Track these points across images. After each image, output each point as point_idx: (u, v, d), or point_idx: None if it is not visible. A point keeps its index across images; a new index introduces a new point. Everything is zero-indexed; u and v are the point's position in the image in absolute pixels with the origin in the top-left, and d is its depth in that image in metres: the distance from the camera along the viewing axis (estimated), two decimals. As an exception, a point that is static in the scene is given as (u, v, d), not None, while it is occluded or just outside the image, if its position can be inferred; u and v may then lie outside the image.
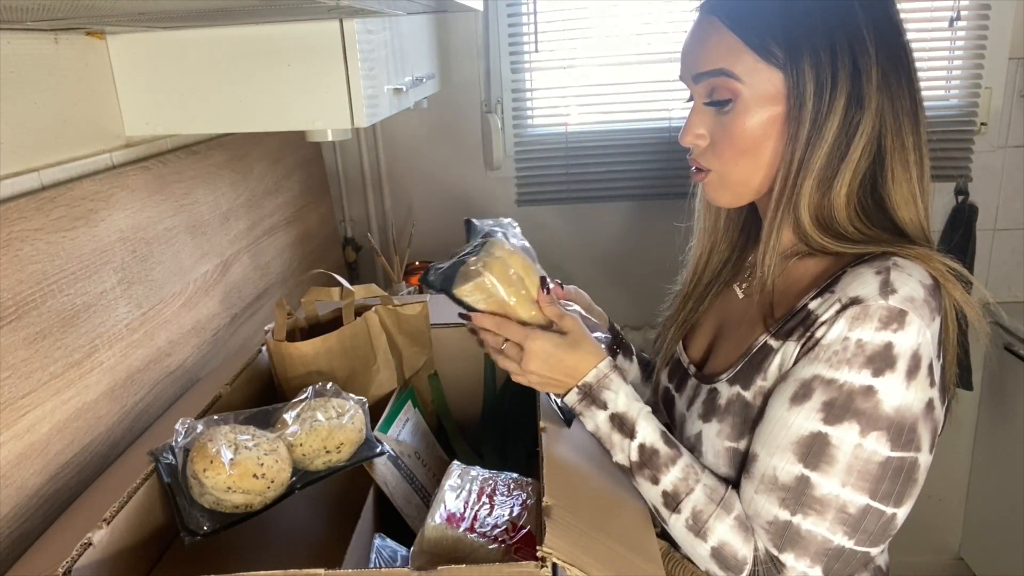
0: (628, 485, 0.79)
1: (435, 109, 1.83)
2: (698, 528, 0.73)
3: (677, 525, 0.75)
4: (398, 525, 0.87)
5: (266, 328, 1.04)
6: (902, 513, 0.69)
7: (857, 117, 0.70)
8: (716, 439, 0.78)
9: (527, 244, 0.86)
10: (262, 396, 1.06)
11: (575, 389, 0.78)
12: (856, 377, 0.67)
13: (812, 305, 0.72)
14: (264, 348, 1.07)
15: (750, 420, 0.76)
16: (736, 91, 0.72)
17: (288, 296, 1.50)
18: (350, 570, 0.62)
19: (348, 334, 1.01)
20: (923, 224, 0.74)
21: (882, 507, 0.68)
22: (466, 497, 0.77)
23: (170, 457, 0.76)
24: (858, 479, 0.67)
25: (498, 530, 0.72)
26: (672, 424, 0.90)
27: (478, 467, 0.82)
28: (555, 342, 0.77)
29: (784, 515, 0.70)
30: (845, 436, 0.67)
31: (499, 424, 1.12)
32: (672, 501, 0.75)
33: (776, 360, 0.74)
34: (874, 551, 0.70)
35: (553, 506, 0.67)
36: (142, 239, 1.02)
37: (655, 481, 0.75)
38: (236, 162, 1.33)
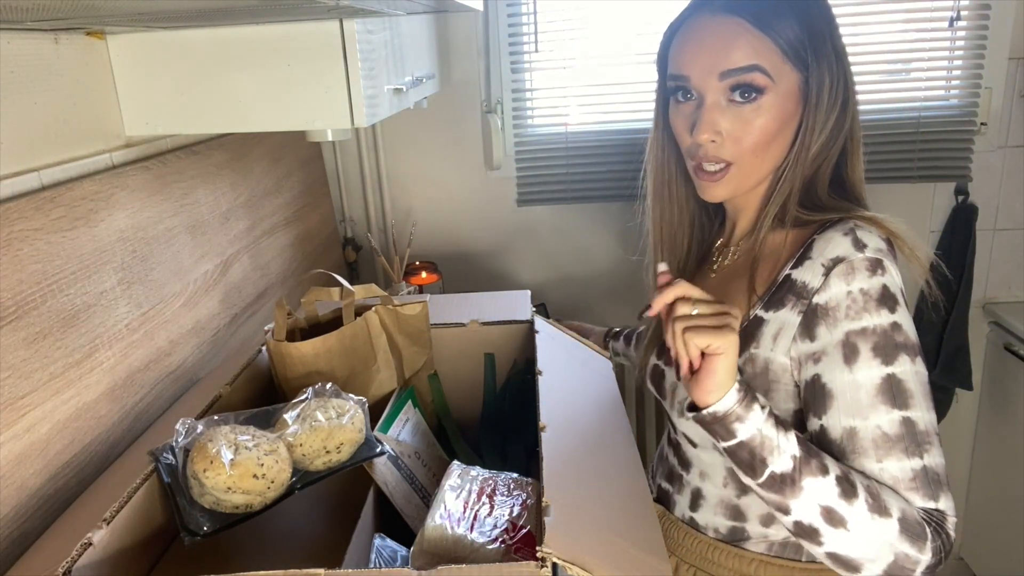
0: (627, 484, 0.79)
1: (435, 109, 1.83)
2: (879, 506, 0.69)
3: (861, 512, 0.69)
4: (398, 525, 0.87)
5: (266, 328, 1.04)
6: None
7: (848, 108, 0.82)
8: None
9: None
10: (262, 396, 1.06)
11: (736, 386, 0.71)
12: (880, 319, 0.73)
13: (795, 274, 0.79)
14: (264, 348, 1.07)
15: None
16: (765, 87, 0.78)
17: (288, 296, 1.50)
18: (350, 570, 0.62)
19: (348, 334, 1.01)
20: (864, 194, 0.86)
21: (935, 417, 0.75)
22: (466, 497, 0.77)
23: (170, 457, 0.76)
24: (926, 400, 0.74)
25: (498, 530, 0.72)
26: (663, 396, 0.93)
27: (478, 467, 0.82)
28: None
29: (916, 463, 0.72)
30: (905, 368, 0.73)
31: (499, 424, 1.12)
32: (848, 485, 0.70)
33: (770, 328, 0.80)
34: None
35: (553, 506, 0.67)
36: (142, 239, 1.02)
37: (825, 470, 0.70)
38: (236, 162, 1.33)
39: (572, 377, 1.02)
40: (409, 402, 1.03)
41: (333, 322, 1.08)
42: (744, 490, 0.85)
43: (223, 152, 1.28)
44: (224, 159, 1.28)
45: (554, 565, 0.60)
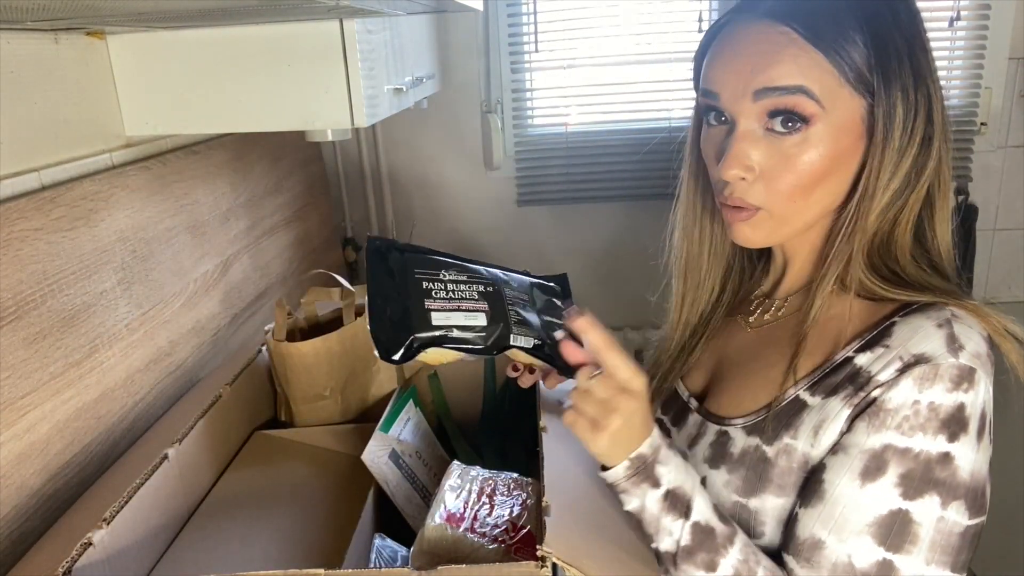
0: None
1: (435, 109, 1.83)
2: None
3: None
4: (398, 525, 0.87)
5: (266, 328, 1.04)
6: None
7: (926, 154, 0.65)
8: (724, 490, 0.70)
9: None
10: (262, 396, 1.06)
11: (626, 462, 0.64)
12: (932, 444, 0.60)
13: (860, 360, 0.64)
14: (264, 348, 1.07)
15: (767, 479, 0.67)
16: (812, 115, 0.62)
17: (288, 296, 1.50)
18: (350, 570, 0.62)
19: (348, 334, 1.01)
20: (952, 263, 0.70)
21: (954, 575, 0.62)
22: (466, 497, 0.77)
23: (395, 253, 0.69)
24: (941, 554, 0.61)
25: (498, 530, 0.72)
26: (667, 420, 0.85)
27: (478, 467, 0.82)
28: (595, 401, 0.64)
29: None
30: (927, 510, 0.60)
31: (499, 424, 1.12)
32: None
33: (812, 418, 0.66)
34: None
35: (553, 506, 0.67)
36: (142, 239, 1.02)
37: (711, 567, 0.63)
38: (236, 162, 1.33)
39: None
40: (411, 401, 1.03)
41: (333, 322, 1.08)
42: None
43: (223, 152, 1.28)
44: (224, 159, 1.28)
45: (554, 565, 0.60)
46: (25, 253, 0.80)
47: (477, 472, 0.81)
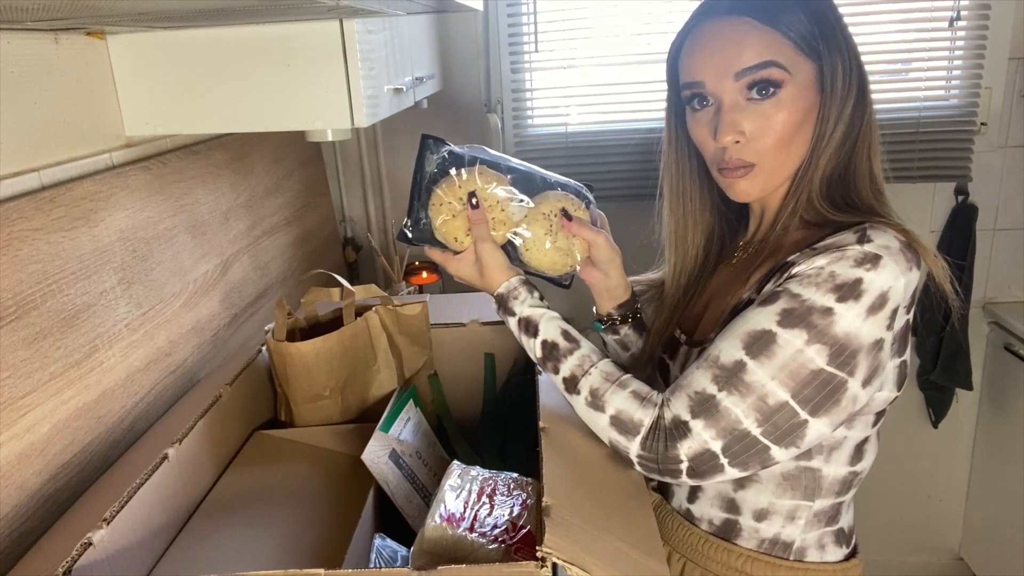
0: (629, 483, 0.79)
1: (435, 109, 1.83)
2: (596, 403, 0.81)
3: (580, 406, 0.82)
4: (398, 525, 0.87)
5: (266, 328, 1.04)
6: (815, 426, 0.74)
7: (863, 102, 0.80)
8: None
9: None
10: (262, 396, 1.06)
11: (493, 300, 0.89)
12: (820, 298, 0.73)
13: (792, 259, 0.79)
14: (264, 348, 1.07)
15: None
16: (782, 80, 0.78)
17: (288, 296, 1.50)
18: (350, 570, 0.62)
19: (348, 334, 1.01)
20: (884, 190, 0.84)
21: (798, 409, 0.73)
22: (466, 497, 0.77)
23: (440, 155, 0.87)
24: (787, 377, 0.73)
25: (498, 530, 0.72)
26: (671, 366, 0.95)
27: (478, 467, 0.82)
28: (469, 266, 0.89)
29: (711, 389, 0.75)
30: (791, 339, 0.73)
31: (499, 424, 1.12)
32: (572, 385, 0.83)
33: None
34: (776, 451, 0.75)
35: (553, 506, 0.67)
36: (142, 239, 1.02)
37: (556, 371, 0.84)
38: (236, 162, 1.33)
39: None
40: (411, 401, 1.03)
41: (333, 322, 1.08)
42: (742, 484, 0.85)
43: (223, 152, 1.28)
44: (224, 159, 1.29)
45: (554, 565, 0.60)
46: (25, 253, 0.80)
47: (477, 472, 0.81)
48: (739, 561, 0.87)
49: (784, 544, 0.86)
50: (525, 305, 0.88)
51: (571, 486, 0.73)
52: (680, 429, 0.75)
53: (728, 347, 0.76)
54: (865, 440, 0.84)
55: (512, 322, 0.89)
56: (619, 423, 0.79)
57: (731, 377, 0.74)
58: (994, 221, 1.91)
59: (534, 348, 0.86)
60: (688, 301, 0.95)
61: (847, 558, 0.89)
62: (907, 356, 0.80)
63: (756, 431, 0.74)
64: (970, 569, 2.13)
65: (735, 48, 0.78)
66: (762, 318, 0.75)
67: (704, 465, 0.75)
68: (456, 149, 0.88)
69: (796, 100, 0.78)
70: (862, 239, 0.74)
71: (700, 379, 0.76)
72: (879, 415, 0.83)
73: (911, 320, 0.78)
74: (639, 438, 0.77)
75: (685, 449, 0.75)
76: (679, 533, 0.93)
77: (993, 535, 2.02)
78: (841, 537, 0.88)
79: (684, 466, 0.75)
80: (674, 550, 0.94)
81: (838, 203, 0.81)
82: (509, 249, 0.90)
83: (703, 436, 0.74)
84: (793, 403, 0.73)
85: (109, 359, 0.94)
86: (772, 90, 0.78)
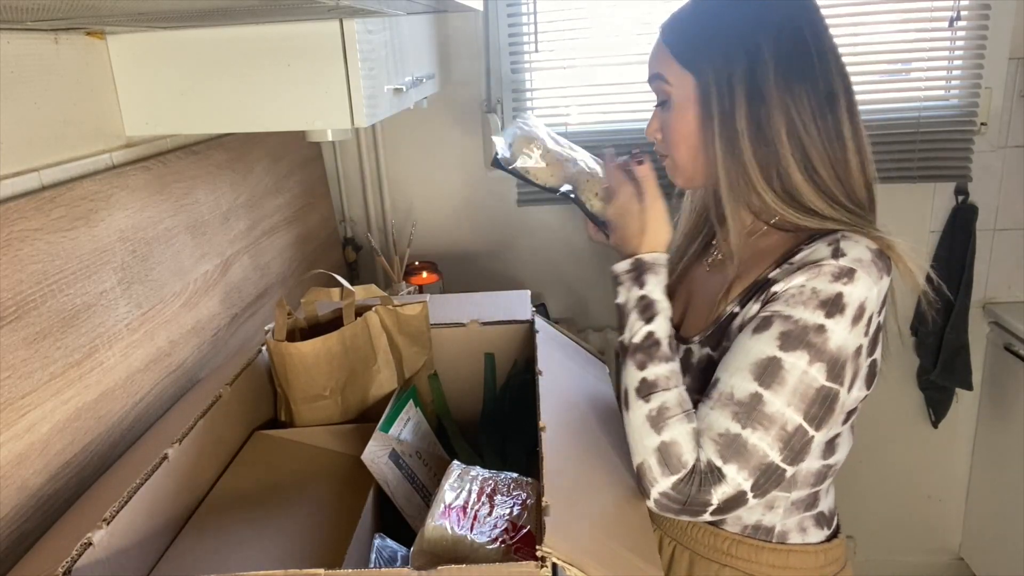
0: (628, 484, 0.79)
1: (435, 109, 1.83)
2: (658, 421, 0.78)
3: (639, 412, 0.80)
4: (398, 525, 0.87)
5: (266, 328, 1.04)
6: (817, 438, 0.78)
7: (764, 111, 0.80)
8: (689, 394, 0.85)
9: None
10: (262, 396, 1.06)
11: (631, 259, 0.86)
12: (811, 316, 0.76)
13: (772, 274, 0.82)
14: (264, 348, 1.07)
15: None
16: (668, 92, 0.87)
17: (288, 296, 1.50)
18: (350, 570, 0.62)
19: (348, 334, 1.01)
20: (866, 199, 0.85)
21: (808, 428, 0.76)
22: (466, 497, 0.77)
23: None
24: (799, 400, 0.76)
25: (498, 530, 0.72)
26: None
27: (478, 467, 0.82)
28: (636, 215, 0.88)
29: (735, 428, 0.76)
30: (796, 362, 0.76)
31: (499, 424, 1.12)
32: (646, 389, 0.81)
33: (738, 321, 0.84)
34: (788, 471, 0.77)
35: (553, 506, 0.67)
36: (142, 239, 1.02)
37: (642, 367, 0.82)
38: (236, 162, 1.33)
39: (572, 377, 1.02)
40: (411, 401, 1.03)
41: (333, 322, 1.08)
42: None
43: (223, 152, 1.28)
44: (224, 159, 1.29)
45: (554, 565, 0.60)
46: (25, 253, 0.80)
47: (477, 472, 0.81)
48: (725, 544, 0.91)
49: (766, 529, 0.90)
50: (658, 287, 0.85)
51: (571, 486, 0.73)
52: (715, 475, 0.76)
53: (740, 382, 0.77)
54: (837, 436, 0.87)
55: (632, 293, 0.85)
56: (666, 454, 0.77)
57: (751, 411, 0.76)
58: (994, 221, 1.91)
59: (635, 331, 0.83)
60: (672, 272, 0.99)
61: (828, 539, 0.92)
62: (877, 355, 0.84)
63: (778, 459, 0.76)
64: (970, 569, 2.13)
65: (650, 59, 0.90)
66: (763, 345, 0.77)
67: (732, 505, 0.76)
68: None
69: (683, 110, 0.85)
70: (836, 253, 0.78)
71: (721, 420, 0.77)
72: (850, 413, 0.86)
73: (881, 322, 0.82)
74: (674, 479, 0.76)
75: (719, 494, 0.75)
76: (669, 519, 0.96)
77: (993, 535, 2.02)
78: (822, 520, 0.91)
79: (712, 508, 0.76)
80: (665, 534, 0.98)
81: (800, 209, 0.82)
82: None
83: (737, 479, 0.75)
84: (805, 424, 0.76)
85: (109, 359, 0.94)
86: (664, 100, 0.88)
